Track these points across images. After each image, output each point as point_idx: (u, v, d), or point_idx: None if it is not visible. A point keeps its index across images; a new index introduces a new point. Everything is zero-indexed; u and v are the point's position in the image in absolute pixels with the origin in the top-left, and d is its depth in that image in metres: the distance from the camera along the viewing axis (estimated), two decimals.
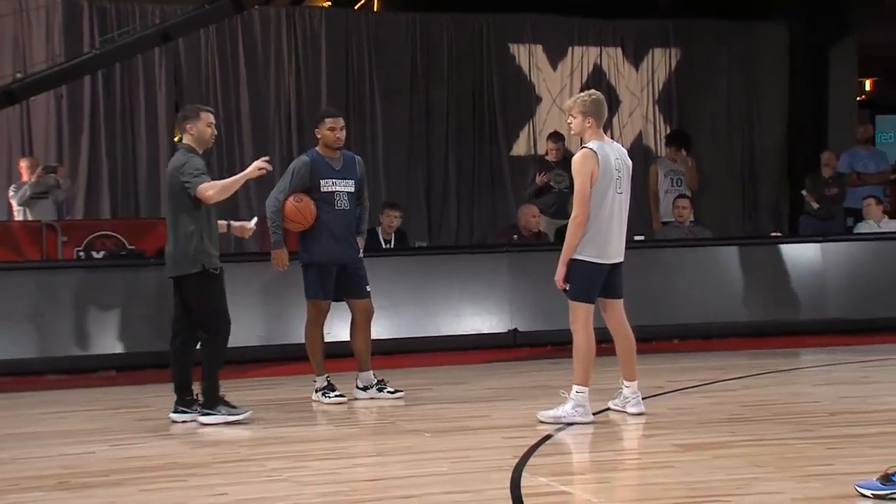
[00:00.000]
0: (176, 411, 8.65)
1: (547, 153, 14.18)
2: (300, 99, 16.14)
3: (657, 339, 11.69)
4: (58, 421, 8.93)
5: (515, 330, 11.89)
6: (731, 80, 18.64)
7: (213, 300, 8.56)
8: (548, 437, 7.89)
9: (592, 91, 8.70)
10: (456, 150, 17.46)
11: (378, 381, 9.39)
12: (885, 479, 6.21)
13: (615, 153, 8.41)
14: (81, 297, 11.24)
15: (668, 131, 18.05)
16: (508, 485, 6.62)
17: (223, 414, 8.51)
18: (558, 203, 13.04)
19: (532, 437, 7.79)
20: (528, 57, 17.98)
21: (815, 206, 14.49)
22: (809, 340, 11.85)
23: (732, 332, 12.12)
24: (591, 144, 8.30)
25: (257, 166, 8.54)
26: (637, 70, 18.44)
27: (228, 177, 8.79)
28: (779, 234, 15.32)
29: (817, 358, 11.01)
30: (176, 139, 8.64)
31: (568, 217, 8.50)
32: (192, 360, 8.71)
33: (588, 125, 8.36)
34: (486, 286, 12.15)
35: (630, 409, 8.46)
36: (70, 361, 11.00)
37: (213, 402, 8.53)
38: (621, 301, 8.51)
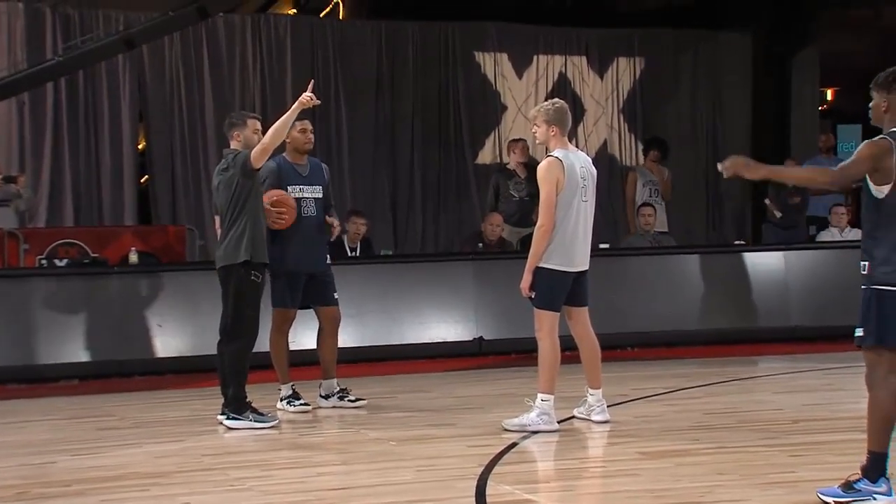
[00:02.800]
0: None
1: (510, 160, 14.10)
2: (265, 107, 16.06)
3: (622, 347, 11.72)
4: (19, 431, 8.84)
5: (481, 338, 11.89)
6: (696, 89, 18.74)
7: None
8: (513, 445, 7.88)
9: (556, 100, 8.70)
10: (421, 158, 17.47)
11: (340, 389, 9.35)
12: (847, 486, 6.23)
13: (580, 162, 8.42)
14: (43, 306, 11.15)
15: (634, 140, 18.15)
16: (473, 493, 6.61)
17: (251, 420, 8.53)
18: (520, 212, 13.04)
19: (497, 446, 7.77)
20: (494, 65, 18.02)
21: (778, 215, 14.56)
22: (772, 348, 11.90)
23: (696, 340, 12.15)
24: (556, 153, 8.30)
25: (304, 100, 8.55)
26: (602, 79, 18.51)
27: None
28: (742, 242, 15.37)
29: (780, 366, 11.04)
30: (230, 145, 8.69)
31: (530, 225, 8.50)
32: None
33: (552, 134, 8.36)
34: (451, 294, 12.15)
35: (595, 417, 8.46)
36: (32, 371, 10.90)
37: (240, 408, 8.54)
38: (586, 309, 8.51)
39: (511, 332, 11.57)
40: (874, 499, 6.15)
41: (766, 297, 12.65)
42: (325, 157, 14.30)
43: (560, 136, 8.36)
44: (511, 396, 9.12)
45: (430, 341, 11.85)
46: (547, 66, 18.21)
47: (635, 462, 7.38)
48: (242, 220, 8.50)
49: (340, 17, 18.63)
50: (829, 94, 21.29)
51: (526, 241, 12.72)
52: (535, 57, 18.09)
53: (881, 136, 6.25)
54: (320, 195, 9.28)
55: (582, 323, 8.51)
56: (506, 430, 8.20)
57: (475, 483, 6.80)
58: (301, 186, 9.20)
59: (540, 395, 8.24)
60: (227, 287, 8.57)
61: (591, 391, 8.52)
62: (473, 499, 6.51)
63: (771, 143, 17.76)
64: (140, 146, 16.41)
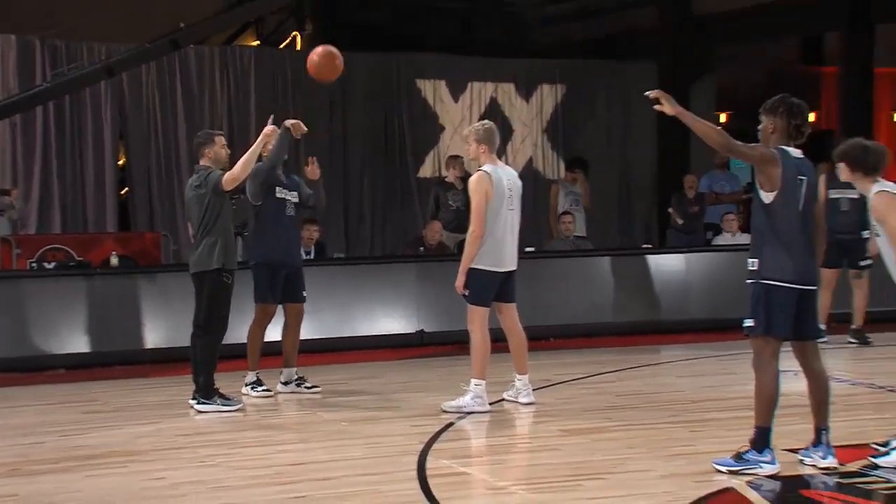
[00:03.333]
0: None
1: (448, 174, 14.12)
2: (231, 127, 15.99)
3: (545, 337, 11.75)
4: (12, 415, 8.73)
5: (422, 331, 11.86)
6: (609, 112, 18.86)
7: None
8: (450, 424, 7.88)
9: (486, 122, 8.73)
10: (370, 173, 17.47)
11: (298, 377, 9.31)
12: (738, 457, 6.30)
13: (506, 175, 8.44)
14: (34, 304, 11.03)
15: (556, 157, 18.23)
16: (416, 467, 6.62)
17: (218, 404, 8.47)
18: (457, 220, 13.05)
19: (436, 425, 7.78)
20: (433, 91, 18.05)
21: (680, 221, 14.67)
22: (675, 338, 11.96)
23: (609, 331, 12.19)
24: (485, 168, 8.32)
25: (267, 131, 8.60)
26: (528, 103, 18.58)
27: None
28: (650, 246, 15.47)
29: (681, 353, 11.11)
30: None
31: (466, 232, 8.51)
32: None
33: (482, 151, 8.38)
34: (396, 292, 12.12)
35: (522, 400, 8.48)
36: (25, 361, 10.76)
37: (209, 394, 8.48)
38: (514, 305, 8.53)
39: (449, 326, 11.54)
40: (761, 467, 6.23)
41: (669, 293, 12.72)
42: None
43: (489, 153, 8.38)
44: (449, 382, 9.12)
45: (377, 334, 11.81)
46: (480, 92, 18.25)
47: (557, 438, 7.41)
48: (214, 232, 8.43)
49: (298, 49, 18.56)
50: (723, 118, 21.43)
51: (462, 246, 12.72)
52: (469, 84, 18.13)
53: (773, 147, 6.34)
54: (297, 200, 9.25)
55: (510, 317, 8.52)
56: (444, 411, 8.20)
57: (417, 458, 6.81)
58: (285, 189, 9.17)
59: (473, 381, 8.25)
60: (202, 290, 8.48)
61: (518, 377, 8.54)
62: (416, 472, 6.51)
63: (673, 159, 17.88)
64: (120, 162, 16.28)
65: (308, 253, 12.39)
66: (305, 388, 9.24)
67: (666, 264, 13.07)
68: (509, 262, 8.38)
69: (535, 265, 11.96)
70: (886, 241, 6.41)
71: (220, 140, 8.67)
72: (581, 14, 19.61)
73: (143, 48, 13.30)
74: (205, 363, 8.51)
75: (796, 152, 6.35)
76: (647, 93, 6.42)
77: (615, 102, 18.79)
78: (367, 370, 10.47)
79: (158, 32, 13.67)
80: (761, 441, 6.27)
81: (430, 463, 6.72)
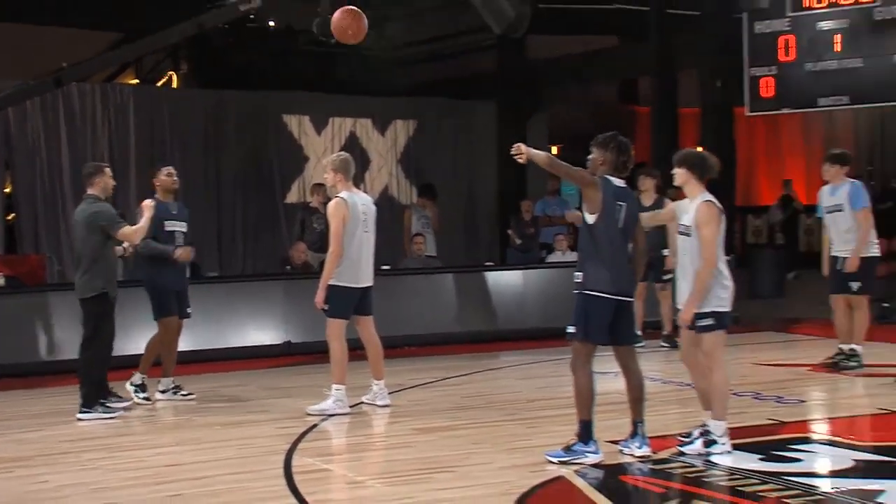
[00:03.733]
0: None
1: (313, 200, 14.06)
2: (113, 158, 15.59)
3: (400, 346, 11.75)
4: None
5: (289, 342, 11.74)
6: (455, 144, 19.02)
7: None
8: (314, 426, 7.84)
9: (342, 153, 8.78)
10: (241, 198, 17.27)
11: (174, 386, 9.12)
12: (567, 448, 6.42)
13: (362, 200, 8.46)
14: None
15: (409, 185, 18.30)
16: (282, 465, 6.56)
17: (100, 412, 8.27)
18: (321, 241, 12.98)
19: (301, 427, 7.72)
20: (298, 125, 17.95)
21: (518, 241, 14.86)
22: (514, 345, 12.07)
23: (456, 340, 12.25)
24: (342, 194, 8.33)
25: (147, 204, 8.52)
26: (383, 136, 18.61)
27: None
28: (491, 263, 15.64)
29: (519, 358, 11.22)
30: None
31: (327, 252, 8.50)
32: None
33: (339, 179, 8.39)
34: (265, 307, 11.99)
35: (379, 402, 8.48)
36: None
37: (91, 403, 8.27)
38: (371, 317, 8.53)
39: (313, 337, 11.44)
40: (586, 456, 6.36)
41: (509, 305, 12.86)
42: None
43: (345, 181, 8.39)
44: (313, 388, 9.06)
45: (248, 345, 11.65)
46: (340, 127, 18.22)
47: (410, 436, 7.43)
48: (100, 259, 8.27)
49: (174, 87, 18.27)
50: (555, 150, 21.81)
51: (323, 264, 12.68)
52: (330, 119, 18.08)
53: (598, 176, 6.51)
54: (185, 229, 9.12)
55: (367, 328, 8.53)
56: (308, 414, 8.14)
57: (283, 457, 6.75)
58: (174, 222, 9.02)
59: (334, 386, 8.22)
60: (89, 312, 8.29)
61: (375, 382, 8.53)
62: (282, 469, 6.46)
63: (512, 187, 18.12)
64: (7, 189, 15.73)
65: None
66: (181, 395, 9.07)
67: (505, 279, 13.23)
68: (365, 279, 8.39)
69: (390, 281, 11.97)
70: (696, 245, 6.56)
71: (108, 171, 8.54)
72: (431, 58, 19.77)
73: (27, 85, 12.85)
74: (89, 375, 8.29)
75: (619, 182, 6.54)
76: (513, 152, 6.50)
77: (461, 136, 18.98)
78: (238, 378, 10.32)
79: (43, 70, 13.27)
80: (585, 433, 6.41)
81: (296, 461, 6.67)
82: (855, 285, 9.57)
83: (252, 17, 16.89)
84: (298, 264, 12.79)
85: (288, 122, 17.88)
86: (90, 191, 8.46)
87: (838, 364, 9.73)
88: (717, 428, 6.52)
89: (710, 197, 6.58)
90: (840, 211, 9.61)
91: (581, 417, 6.42)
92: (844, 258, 9.59)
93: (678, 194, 7.07)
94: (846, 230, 9.57)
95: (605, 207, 6.40)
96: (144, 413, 8.63)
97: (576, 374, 6.47)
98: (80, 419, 8.21)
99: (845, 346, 9.79)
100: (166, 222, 8.94)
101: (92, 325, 8.30)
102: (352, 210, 8.27)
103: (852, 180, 9.73)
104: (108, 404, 8.35)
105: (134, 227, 8.38)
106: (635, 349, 6.79)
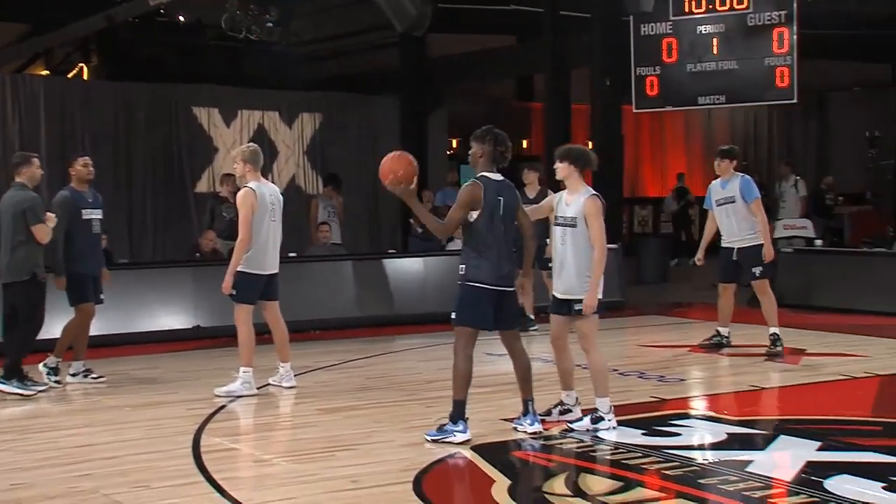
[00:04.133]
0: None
1: (222, 190, 13.87)
2: (23, 149, 14.99)
3: (306, 330, 11.69)
4: None
5: (198, 326, 11.59)
6: (359, 138, 18.94)
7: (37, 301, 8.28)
8: (222, 407, 7.77)
9: (251, 144, 8.71)
10: (152, 188, 16.95)
11: (85, 369, 8.95)
12: (440, 428, 6.47)
13: (269, 191, 8.40)
14: None
15: (315, 175, 18.18)
16: (191, 445, 6.49)
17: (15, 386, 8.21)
18: (230, 229, 12.84)
19: (210, 408, 7.65)
20: (207, 117, 17.67)
21: (419, 230, 14.87)
22: (414, 329, 12.09)
23: (360, 324, 12.21)
24: (250, 184, 8.26)
25: (50, 216, 8.32)
26: (290, 129, 18.45)
27: None
28: (393, 251, 15.65)
29: (420, 341, 11.26)
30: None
31: (235, 239, 8.42)
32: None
33: (248, 170, 8.32)
34: (175, 293, 11.80)
35: (285, 384, 8.44)
36: None
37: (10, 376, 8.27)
38: (277, 303, 8.48)
39: (222, 321, 11.35)
40: (454, 436, 6.38)
41: (410, 290, 12.88)
42: None
43: (254, 172, 8.32)
44: (221, 370, 8.96)
45: (158, 329, 11.45)
46: (248, 119, 17.98)
47: (315, 416, 7.42)
48: (25, 245, 8.16)
49: (85, 79, 17.85)
50: (455, 143, 21.95)
51: (232, 251, 12.53)
52: (239, 112, 17.84)
53: (474, 180, 6.55)
54: (101, 217, 8.93)
55: (273, 313, 8.48)
56: (217, 395, 8.07)
57: (192, 437, 6.68)
58: (90, 210, 8.80)
59: (242, 368, 8.16)
60: (17, 296, 8.24)
61: (281, 364, 8.49)
62: (191, 449, 6.39)
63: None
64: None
65: None
66: (92, 378, 8.89)
67: (407, 266, 13.26)
68: (271, 266, 8.34)
69: (296, 268, 11.88)
70: (578, 235, 6.65)
71: (36, 162, 8.46)
72: (336, 54, 19.70)
73: None
74: (17, 351, 8.26)
75: (497, 177, 6.58)
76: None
77: (365, 129, 18.91)
78: (148, 362, 10.15)
79: None
80: (456, 413, 6.45)
81: (204, 441, 6.61)
82: (757, 271, 9.71)
83: (162, 11, 16.67)
84: (208, 252, 12.63)
85: (198, 115, 17.59)
86: (18, 179, 8.36)
87: (721, 344, 9.91)
88: (603, 405, 6.65)
89: (593, 191, 6.71)
90: (732, 203, 9.71)
91: (455, 397, 6.48)
92: (739, 248, 9.70)
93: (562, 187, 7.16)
94: (740, 220, 9.68)
95: (486, 205, 6.47)
96: (56, 396, 8.44)
97: (456, 357, 6.55)
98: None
99: (723, 329, 9.99)
100: (83, 211, 8.75)
101: (28, 308, 8.23)
102: (260, 200, 8.21)
103: (742, 174, 9.88)
104: (25, 382, 8.26)
105: (50, 230, 8.24)
106: (518, 332, 6.84)
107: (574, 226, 6.65)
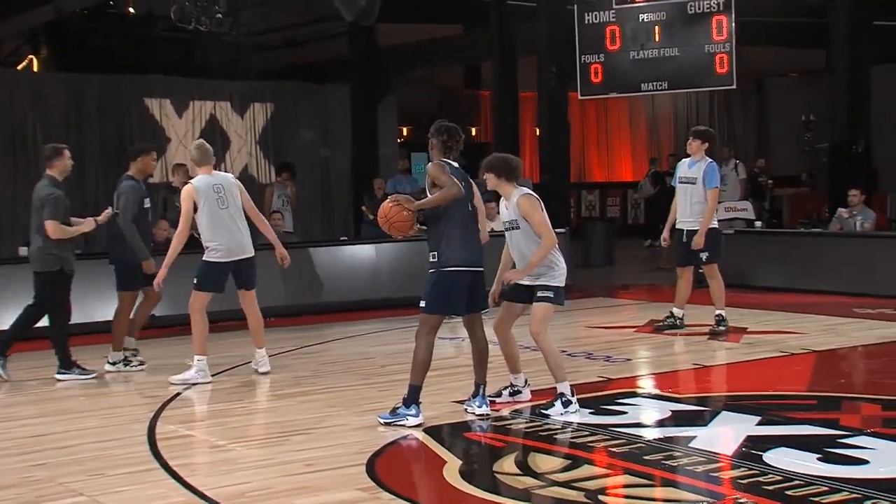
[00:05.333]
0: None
1: (174, 180, 13.73)
2: None
3: (266, 317, 11.59)
4: None
5: (153, 315, 11.41)
6: (311, 126, 18.86)
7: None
8: (177, 394, 7.72)
9: (198, 141, 8.68)
10: (104, 179, 16.73)
11: (124, 357, 8.90)
12: (393, 411, 6.48)
13: (216, 180, 8.35)
14: None
15: (268, 165, 18.07)
16: (146, 432, 6.43)
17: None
18: None
19: (165, 396, 7.59)
20: (159, 108, 17.51)
21: (371, 217, 14.82)
22: (367, 315, 12.08)
23: (316, 310, 12.16)
24: (193, 180, 8.30)
25: (91, 225, 8.52)
26: (242, 119, 18.33)
27: None
28: (346, 238, 15.60)
29: (373, 327, 11.25)
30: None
31: (193, 229, 8.41)
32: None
33: (194, 166, 8.38)
34: None
35: (261, 369, 8.39)
36: None
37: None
38: (252, 292, 8.45)
39: (177, 310, 11.25)
40: (407, 419, 6.39)
41: (363, 277, 12.84)
42: (25, 184, 13.50)
43: (201, 166, 8.25)
44: (177, 359, 8.89)
45: (112, 319, 11.28)
46: (200, 109, 17.85)
47: (269, 402, 7.41)
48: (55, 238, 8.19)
49: (35, 70, 17.54)
50: (406, 131, 21.92)
51: (190, 242, 12.42)
52: (191, 102, 17.70)
53: (436, 161, 6.58)
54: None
55: (248, 300, 8.47)
56: (172, 383, 8.01)
57: (147, 424, 6.63)
58: (147, 200, 8.98)
59: (196, 357, 8.11)
60: (45, 286, 8.29)
61: (257, 350, 8.47)
62: (146, 436, 6.34)
63: (365, 166, 18.13)
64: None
65: None
66: (133, 365, 8.87)
67: (360, 253, 13.21)
68: (237, 252, 8.28)
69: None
70: (525, 234, 6.70)
71: (67, 154, 8.45)
72: (287, 43, 19.56)
73: None
74: (56, 344, 8.36)
75: (456, 165, 6.65)
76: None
77: (316, 118, 18.84)
78: (102, 351, 9.95)
79: None
80: (411, 397, 6.46)
81: (160, 428, 6.56)
82: (703, 255, 9.67)
83: (112, 2, 16.43)
84: (161, 241, 12.47)
85: (149, 105, 17.41)
86: (49, 172, 8.36)
87: (674, 325, 9.92)
88: (566, 388, 6.65)
89: (523, 190, 6.74)
90: (693, 184, 9.66)
91: (412, 381, 6.49)
92: (689, 231, 9.68)
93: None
94: (694, 203, 9.66)
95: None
96: (10, 387, 8.31)
97: (418, 342, 6.55)
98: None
99: (678, 311, 9.97)
100: (144, 200, 8.91)
101: (50, 301, 8.31)
102: (202, 192, 8.19)
103: (710, 160, 9.79)
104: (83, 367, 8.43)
105: (63, 227, 8.27)
106: (482, 316, 6.87)
107: (517, 227, 6.72)
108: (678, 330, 9.92)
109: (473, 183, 6.78)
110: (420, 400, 6.46)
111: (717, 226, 9.88)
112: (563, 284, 6.74)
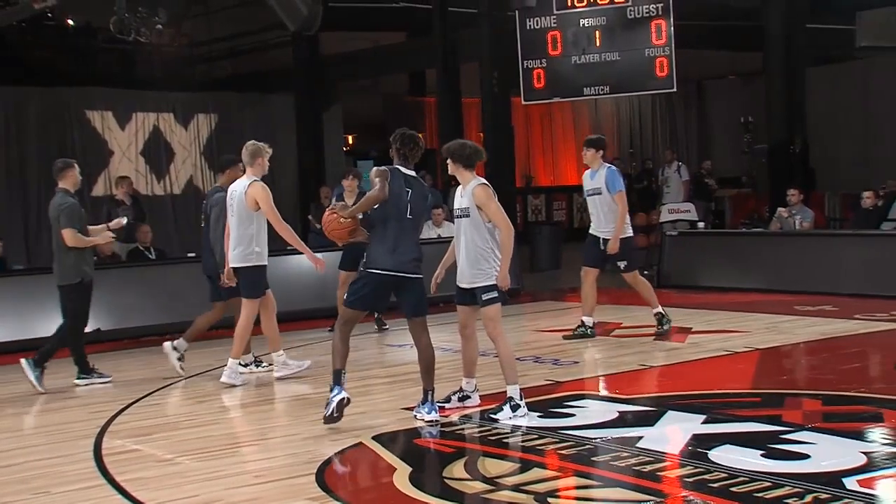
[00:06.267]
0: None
1: (117, 192, 13.58)
2: None
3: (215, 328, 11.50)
4: None
5: (98, 329, 11.26)
6: (257, 136, 18.62)
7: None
8: (124, 409, 7.60)
9: (251, 142, 8.54)
10: (47, 192, 16.46)
11: (255, 359, 8.91)
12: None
13: (233, 189, 8.46)
14: None
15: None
16: (92, 448, 6.34)
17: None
18: (126, 232, 12.57)
19: (112, 410, 7.48)
20: (101, 120, 17.32)
21: (319, 226, 14.71)
22: (316, 323, 11.80)
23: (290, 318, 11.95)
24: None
25: (107, 237, 8.89)
26: (186, 130, 18.18)
27: None
28: (291, 247, 15.43)
29: (322, 336, 11.04)
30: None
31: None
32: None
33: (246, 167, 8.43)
34: None
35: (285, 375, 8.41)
36: None
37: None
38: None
39: (121, 324, 11.18)
40: (332, 399, 6.51)
41: (312, 285, 12.53)
42: None
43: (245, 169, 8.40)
44: (122, 373, 8.77)
45: None
46: (144, 121, 17.71)
47: (218, 414, 7.35)
48: (73, 250, 8.41)
49: None
50: (350, 139, 21.87)
51: (133, 254, 12.28)
52: (133, 114, 17.55)
53: (386, 167, 6.64)
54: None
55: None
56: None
57: (94, 440, 6.53)
58: None
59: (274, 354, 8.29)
60: (67, 297, 8.53)
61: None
62: (92, 452, 6.24)
63: (311, 174, 18.07)
64: None
65: None
66: (262, 368, 8.87)
67: (308, 262, 12.89)
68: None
69: (196, 268, 11.63)
70: (473, 223, 6.71)
71: (76, 167, 8.70)
72: (229, 54, 19.46)
73: None
74: (74, 346, 8.62)
75: (408, 171, 6.71)
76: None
77: (261, 127, 18.72)
78: (49, 367, 9.84)
79: None
80: (336, 380, 6.59)
81: (106, 443, 6.47)
82: (622, 264, 9.63)
83: (49, 14, 16.20)
84: (106, 254, 12.32)
85: (91, 118, 17.24)
86: (61, 184, 8.60)
87: (585, 335, 9.72)
88: (516, 392, 6.67)
89: (482, 180, 6.78)
90: (599, 194, 9.60)
91: (335, 367, 6.61)
92: (605, 239, 9.62)
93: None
94: (605, 212, 9.61)
95: (391, 195, 6.56)
96: None
97: (335, 332, 6.69)
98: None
99: (588, 319, 9.80)
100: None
101: (71, 305, 8.52)
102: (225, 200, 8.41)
103: (609, 165, 9.73)
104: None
105: (79, 236, 8.44)
106: (425, 322, 6.87)
107: (468, 215, 6.75)
108: (589, 339, 9.71)
109: (432, 193, 6.87)
110: (342, 383, 6.55)
111: (630, 234, 9.71)
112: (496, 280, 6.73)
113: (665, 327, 9.75)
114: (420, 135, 8.51)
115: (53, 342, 8.65)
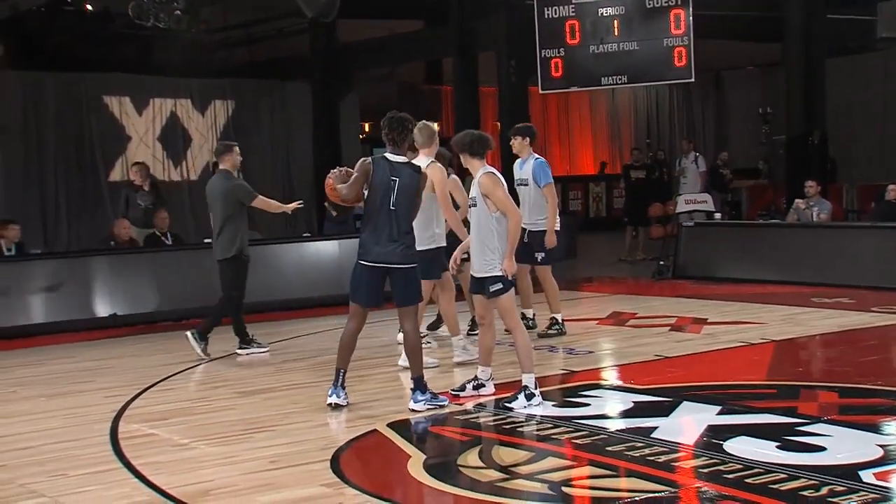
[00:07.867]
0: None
1: (135, 178, 13.61)
2: None
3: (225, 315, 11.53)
4: None
5: (115, 314, 11.36)
6: (273, 122, 18.79)
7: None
8: (139, 394, 7.63)
9: (421, 122, 7.94)
10: (64, 178, 16.61)
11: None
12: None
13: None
14: None
15: None
16: (108, 432, 6.37)
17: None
18: (145, 217, 12.62)
19: (127, 395, 7.51)
20: (119, 106, 17.36)
21: (334, 213, 14.76)
22: (330, 311, 11.92)
23: (282, 306, 11.99)
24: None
25: (295, 206, 9.35)
26: (203, 116, 18.21)
27: None
28: (308, 234, 15.53)
29: (337, 322, 11.03)
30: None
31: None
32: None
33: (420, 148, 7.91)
34: (91, 281, 11.53)
35: (464, 360, 8.12)
36: None
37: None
38: None
39: (138, 309, 11.23)
40: (330, 397, 6.64)
41: (326, 273, 12.78)
42: None
43: (423, 149, 7.88)
44: (138, 358, 8.82)
45: (75, 318, 11.19)
46: (161, 107, 17.74)
47: (232, 399, 7.35)
48: (231, 227, 8.79)
49: None
50: (367, 127, 21.84)
51: (150, 240, 12.31)
52: (151, 100, 17.58)
53: (369, 159, 6.71)
54: None
55: None
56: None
57: (110, 424, 6.56)
58: None
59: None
60: (224, 270, 8.87)
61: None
62: (108, 436, 6.27)
63: (327, 162, 18.02)
64: None
65: (9, 250, 11.64)
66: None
67: (323, 249, 13.17)
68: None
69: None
70: (481, 211, 6.69)
71: (237, 149, 8.98)
72: (247, 41, 19.44)
73: None
74: (233, 317, 9.01)
75: (396, 158, 6.65)
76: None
77: (278, 114, 18.77)
78: (65, 351, 9.92)
79: None
80: (336, 377, 6.67)
81: (122, 428, 6.50)
82: (539, 256, 9.14)
83: (68, 0, 16.24)
84: (123, 240, 12.37)
85: (109, 103, 17.28)
86: (222, 166, 8.91)
87: (529, 327, 8.97)
88: (531, 381, 6.65)
89: (489, 168, 6.75)
90: (526, 185, 9.13)
91: (338, 365, 6.75)
92: (530, 231, 9.01)
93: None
94: (531, 205, 9.06)
95: (378, 184, 6.58)
96: None
97: (345, 328, 6.84)
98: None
99: (528, 311, 9.47)
100: None
101: (229, 280, 8.85)
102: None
103: (538, 157, 9.20)
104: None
105: (270, 201, 9.10)
106: (413, 311, 6.85)
107: (475, 205, 6.74)
108: (557, 336, 9.27)
109: (421, 177, 6.74)
110: (344, 383, 6.73)
111: (558, 228, 9.13)
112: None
113: (554, 331, 9.28)
114: (436, 124, 8.44)
115: (215, 314, 8.94)
